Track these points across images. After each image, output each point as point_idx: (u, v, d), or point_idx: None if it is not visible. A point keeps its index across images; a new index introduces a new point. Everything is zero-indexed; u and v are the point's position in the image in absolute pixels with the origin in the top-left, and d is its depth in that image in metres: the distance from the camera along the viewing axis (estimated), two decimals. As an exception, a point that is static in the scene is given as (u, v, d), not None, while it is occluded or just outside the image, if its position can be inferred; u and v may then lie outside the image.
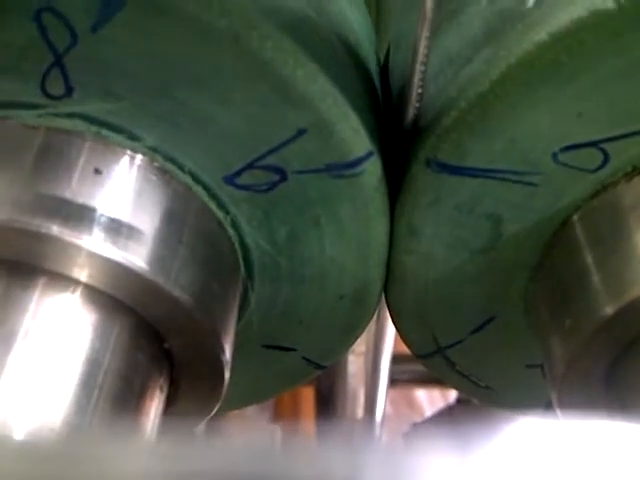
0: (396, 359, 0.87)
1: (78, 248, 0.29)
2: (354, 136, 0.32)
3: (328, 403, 0.86)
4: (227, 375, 0.32)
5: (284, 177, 0.33)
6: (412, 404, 1.31)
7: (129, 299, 0.30)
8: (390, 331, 0.80)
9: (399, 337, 0.42)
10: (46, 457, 0.17)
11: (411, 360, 0.45)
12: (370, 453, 0.16)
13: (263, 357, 0.41)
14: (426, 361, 0.43)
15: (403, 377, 0.93)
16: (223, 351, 0.32)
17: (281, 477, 0.15)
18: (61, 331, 0.28)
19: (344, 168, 0.33)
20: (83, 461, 0.16)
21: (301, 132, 0.31)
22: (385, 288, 0.39)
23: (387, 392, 0.85)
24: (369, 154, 0.33)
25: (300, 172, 0.33)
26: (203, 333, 0.31)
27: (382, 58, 0.45)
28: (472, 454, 0.15)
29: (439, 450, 0.15)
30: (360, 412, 0.85)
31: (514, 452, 0.15)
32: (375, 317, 0.72)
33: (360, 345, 0.84)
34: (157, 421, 0.31)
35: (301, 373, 0.42)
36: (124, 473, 0.15)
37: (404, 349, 0.44)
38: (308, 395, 1.04)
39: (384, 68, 0.44)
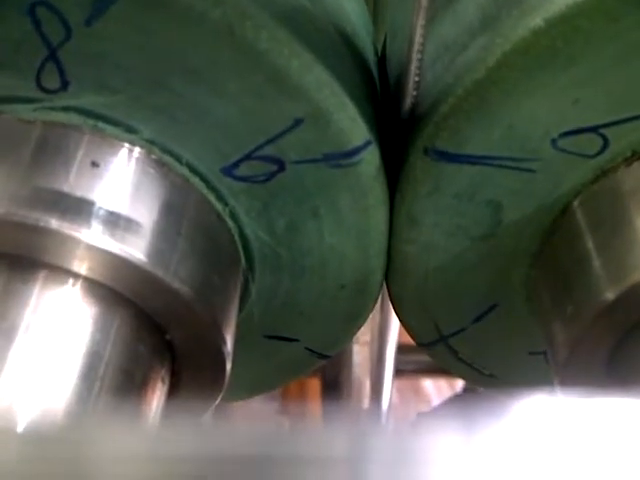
0: (401, 349, 0.87)
1: (77, 241, 0.29)
2: (351, 125, 0.32)
3: (334, 393, 0.86)
4: (229, 366, 0.33)
5: (282, 167, 0.33)
6: (419, 393, 1.31)
7: (129, 291, 0.30)
8: (395, 320, 0.80)
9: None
10: (48, 443, 0.17)
11: (416, 350, 0.45)
12: (375, 434, 0.16)
13: (266, 348, 0.41)
14: (429, 350, 0.43)
15: (409, 367, 0.94)
16: (224, 342, 0.32)
17: (285, 459, 0.15)
18: (62, 324, 0.29)
19: (342, 157, 0.33)
20: (85, 445, 0.16)
21: (298, 122, 0.31)
22: (386, 277, 0.39)
23: (393, 382, 0.85)
24: (367, 143, 0.33)
25: (298, 162, 0.33)
26: (204, 325, 0.31)
27: (380, 48, 0.45)
28: (478, 434, 0.15)
29: (445, 431, 0.15)
30: (366, 402, 0.85)
31: (520, 431, 0.15)
32: (379, 307, 0.72)
33: (365, 335, 0.84)
34: (159, 412, 0.31)
35: (304, 363, 0.42)
36: (125, 457, 0.16)
37: (409, 339, 0.44)
38: (314, 386, 1.04)
39: (382, 58, 0.44)
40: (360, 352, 0.85)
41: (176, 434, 0.17)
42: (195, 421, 0.17)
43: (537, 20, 0.30)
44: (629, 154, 0.33)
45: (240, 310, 0.36)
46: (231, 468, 0.15)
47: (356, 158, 0.33)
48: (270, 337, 0.40)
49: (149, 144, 0.32)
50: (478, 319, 0.40)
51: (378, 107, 0.38)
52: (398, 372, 0.87)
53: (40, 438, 0.18)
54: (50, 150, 0.30)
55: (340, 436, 0.16)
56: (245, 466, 0.15)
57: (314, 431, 0.17)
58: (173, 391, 0.33)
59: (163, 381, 0.32)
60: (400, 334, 0.86)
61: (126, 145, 0.32)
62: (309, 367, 0.43)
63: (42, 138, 0.31)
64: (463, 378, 0.47)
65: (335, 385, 0.87)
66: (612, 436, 0.15)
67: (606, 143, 0.32)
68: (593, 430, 0.16)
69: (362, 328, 0.42)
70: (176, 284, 0.30)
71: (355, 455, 0.15)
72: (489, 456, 0.15)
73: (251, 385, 0.45)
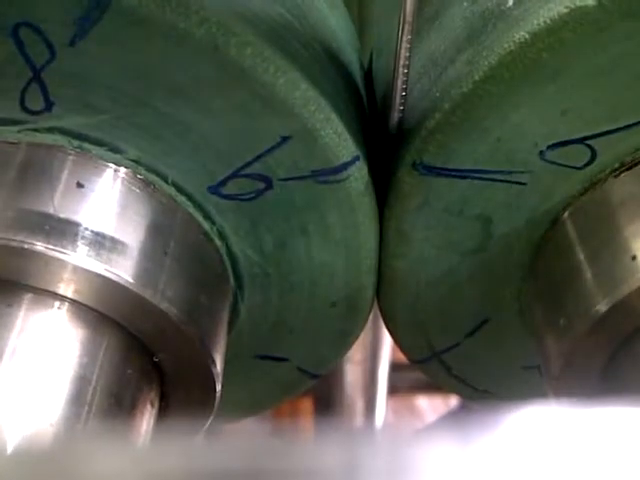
0: (395, 367, 0.86)
1: (62, 263, 0.28)
2: (339, 141, 0.32)
3: (327, 413, 0.86)
4: (218, 387, 0.32)
5: (269, 185, 0.33)
6: (413, 411, 1.30)
7: (116, 314, 0.30)
8: (387, 338, 0.80)
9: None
10: (37, 462, 0.17)
11: (410, 367, 0.44)
12: (368, 446, 0.16)
13: (257, 368, 0.41)
14: (422, 366, 0.43)
15: (402, 385, 0.93)
16: (214, 363, 0.32)
17: (277, 472, 0.15)
18: (48, 348, 0.28)
19: (330, 174, 0.32)
20: (73, 463, 0.16)
21: (285, 139, 0.31)
22: (377, 293, 0.39)
23: (387, 400, 0.84)
24: (355, 159, 0.33)
25: (285, 179, 0.32)
26: (192, 346, 0.31)
27: (366, 63, 0.45)
28: (473, 445, 0.15)
29: (439, 442, 0.15)
30: (360, 420, 0.85)
31: (514, 442, 0.15)
32: (371, 324, 0.71)
33: (357, 353, 0.84)
34: (149, 434, 0.31)
35: (296, 383, 0.42)
36: (114, 474, 0.15)
37: (402, 356, 0.44)
38: (307, 405, 1.03)
39: (368, 73, 0.44)
40: (353, 371, 0.85)
41: (166, 449, 0.16)
42: (185, 438, 0.16)
43: (522, 33, 0.30)
44: (617, 165, 0.33)
45: (230, 330, 0.36)
46: None
47: (344, 174, 0.33)
48: (261, 357, 0.40)
49: (134, 164, 0.32)
50: (471, 334, 0.40)
51: (365, 122, 0.38)
52: (392, 390, 0.86)
53: (29, 458, 0.18)
54: (35, 171, 0.30)
55: (333, 448, 0.15)
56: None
57: (306, 444, 0.16)
58: (163, 413, 0.33)
59: (152, 403, 0.31)
60: (393, 351, 0.86)
61: (111, 165, 0.31)
62: (301, 387, 0.43)
63: (26, 160, 0.30)
64: (457, 394, 0.47)
65: (328, 404, 0.87)
66: (607, 446, 0.15)
67: (594, 154, 0.33)
68: (588, 440, 0.15)
69: (354, 346, 0.42)
70: (164, 305, 0.30)
71: (348, 467, 0.15)
72: (483, 467, 0.15)
73: (244, 406, 0.44)
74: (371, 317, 0.40)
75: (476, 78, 0.31)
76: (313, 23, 0.37)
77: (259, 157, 0.32)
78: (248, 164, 0.32)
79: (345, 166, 0.32)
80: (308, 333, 0.38)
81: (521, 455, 0.15)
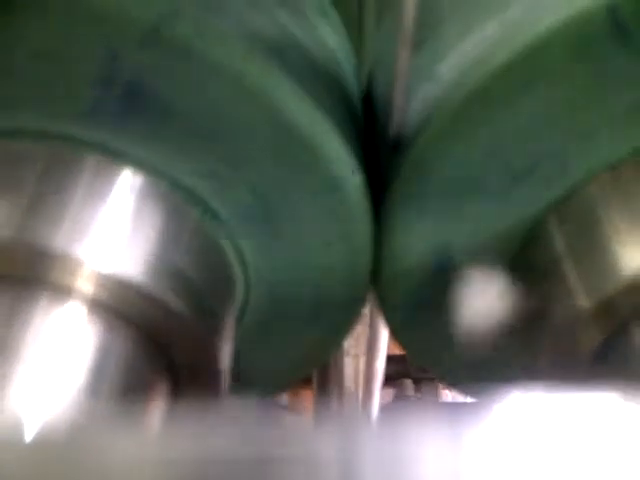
0: (391, 359, 0.87)
1: (79, 263, 0.30)
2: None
3: (325, 404, 0.86)
4: (225, 380, 0.33)
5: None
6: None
7: (130, 311, 0.31)
8: (384, 332, 0.81)
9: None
10: (54, 450, 0.17)
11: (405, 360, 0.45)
12: (366, 434, 0.17)
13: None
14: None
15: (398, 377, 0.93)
16: (220, 358, 0.33)
17: (274, 459, 0.16)
18: (66, 343, 0.29)
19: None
20: (88, 453, 0.17)
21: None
22: (376, 292, 0.40)
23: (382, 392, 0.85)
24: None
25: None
26: (201, 343, 0.32)
27: (365, 80, 0.46)
28: (466, 434, 0.16)
29: (433, 431, 0.16)
30: (357, 411, 0.85)
31: (506, 430, 0.16)
32: (369, 319, 0.72)
33: (356, 347, 0.85)
34: (160, 427, 0.32)
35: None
36: (127, 462, 0.17)
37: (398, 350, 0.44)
38: (307, 398, 1.04)
39: (367, 88, 0.45)
40: (351, 364, 0.86)
41: (172, 438, 0.17)
42: (191, 426, 0.17)
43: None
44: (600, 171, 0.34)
45: (238, 323, 0.38)
46: (226, 469, 0.16)
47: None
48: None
49: (147, 168, 0.33)
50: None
51: (362, 136, 0.40)
52: (387, 381, 0.86)
53: (46, 448, 0.18)
54: (55, 175, 0.32)
55: (331, 436, 0.16)
56: (239, 467, 0.16)
57: (307, 433, 0.17)
58: (173, 406, 0.34)
59: (163, 397, 0.33)
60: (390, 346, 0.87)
61: (128, 171, 0.33)
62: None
63: (47, 164, 0.32)
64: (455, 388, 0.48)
65: (326, 396, 0.87)
66: (596, 430, 0.16)
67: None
68: (576, 425, 0.16)
69: (352, 341, 0.43)
70: (174, 303, 0.31)
71: (346, 455, 0.16)
72: (477, 455, 0.16)
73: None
74: (369, 313, 0.41)
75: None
76: (313, 43, 0.38)
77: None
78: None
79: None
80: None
81: (512, 444, 0.16)
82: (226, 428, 0.17)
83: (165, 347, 0.32)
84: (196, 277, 0.33)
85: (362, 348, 0.83)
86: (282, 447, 0.16)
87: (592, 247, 0.33)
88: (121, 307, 0.31)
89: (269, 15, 0.35)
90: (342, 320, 0.41)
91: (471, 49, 0.34)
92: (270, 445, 0.16)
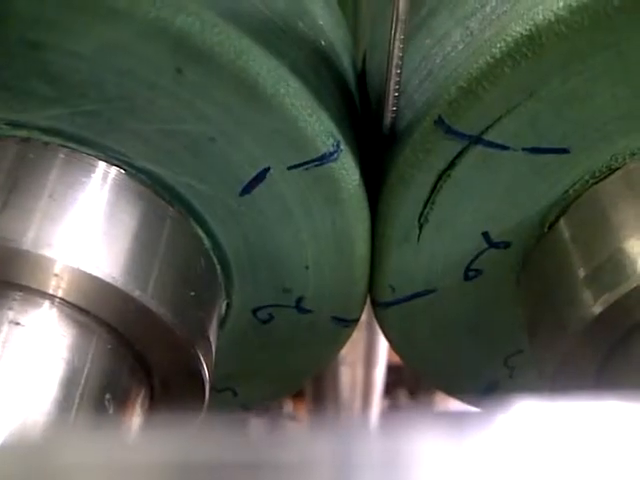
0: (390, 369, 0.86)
1: (52, 262, 0.28)
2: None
3: (322, 414, 0.86)
4: (207, 386, 0.32)
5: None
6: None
7: (105, 313, 0.29)
8: (383, 341, 0.80)
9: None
10: (25, 456, 0.16)
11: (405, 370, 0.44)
12: (361, 437, 0.16)
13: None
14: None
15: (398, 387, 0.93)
16: (202, 363, 0.31)
17: (269, 464, 0.15)
18: (38, 347, 0.28)
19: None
20: (61, 457, 0.16)
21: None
22: (371, 295, 0.39)
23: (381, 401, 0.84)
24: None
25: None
26: (181, 346, 0.31)
27: (359, 63, 0.45)
28: (466, 437, 0.15)
29: (433, 434, 0.15)
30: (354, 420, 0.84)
31: (508, 435, 0.15)
32: (366, 327, 0.71)
33: (351, 355, 0.84)
34: (137, 433, 0.30)
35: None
36: (102, 465, 0.15)
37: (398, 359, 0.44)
38: (301, 407, 1.03)
39: (362, 73, 0.44)
40: (347, 373, 0.85)
41: (157, 441, 0.16)
42: (175, 431, 0.16)
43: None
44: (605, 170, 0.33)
45: (222, 325, 0.36)
46: (215, 475, 0.15)
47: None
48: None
49: (124, 163, 0.31)
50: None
51: (358, 123, 0.38)
52: (387, 391, 0.86)
53: (17, 452, 0.18)
54: (26, 170, 0.30)
55: (325, 442, 0.15)
56: (229, 472, 0.15)
57: (299, 436, 0.16)
58: (151, 413, 0.32)
59: (141, 403, 0.31)
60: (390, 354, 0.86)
61: (102, 165, 0.31)
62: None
63: (18, 158, 0.30)
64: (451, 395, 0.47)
65: (323, 404, 0.87)
66: (601, 439, 0.15)
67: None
68: (580, 435, 0.15)
69: (349, 348, 0.42)
70: (153, 305, 0.30)
71: (341, 459, 0.15)
72: (477, 459, 0.15)
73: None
74: (366, 320, 0.40)
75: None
76: (305, 24, 0.37)
77: None
78: None
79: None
80: None
81: (514, 448, 0.15)
82: (211, 432, 0.16)
83: (144, 351, 0.31)
84: (176, 277, 0.32)
85: (359, 355, 0.82)
86: (273, 451, 0.16)
87: (601, 247, 0.32)
88: (96, 308, 0.29)
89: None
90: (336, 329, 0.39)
91: (463, 39, 0.33)
92: (260, 449, 0.16)
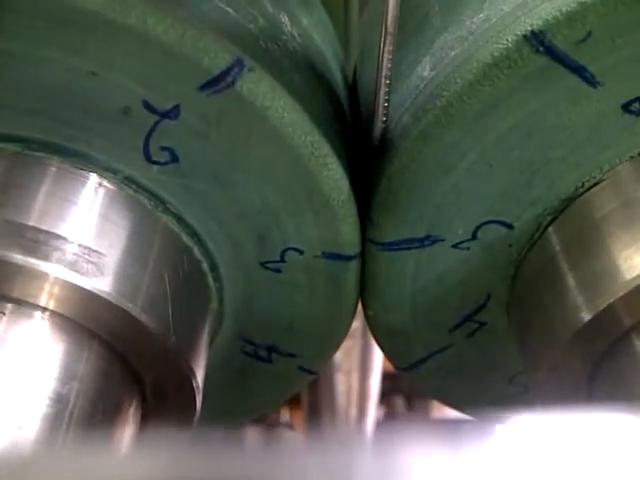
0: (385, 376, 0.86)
1: (43, 275, 0.28)
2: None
3: (318, 422, 0.85)
4: (199, 399, 0.32)
5: None
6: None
7: (96, 325, 0.29)
8: (378, 348, 0.80)
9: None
10: (15, 472, 0.16)
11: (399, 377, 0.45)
12: (358, 451, 0.16)
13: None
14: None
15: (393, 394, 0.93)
16: (194, 375, 0.31)
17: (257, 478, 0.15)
18: (30, 359, 0.28)
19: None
20: (51, 472, 0.16)
21: None
22: (363, 303, 0.39)
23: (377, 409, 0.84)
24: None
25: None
26: (172, 358, 0.31)
27: (350, 74, 0.45)
28: (462, 451, 0.15)
29: (428, 448, 0.15)
30: (351, 430, 0.84)
31: (503, 448, 0.15)
32: (361, 335, 0.71)
33: (347, 363, 0.83)
34: (129, 446, 0.30)
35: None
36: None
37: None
38: (298, 416, 1.03)
39: (353, 84, 0.44)
40: (343, 381, 0.85)
41: (149, 456, 0.16)
42: (168, 446, 0.16)
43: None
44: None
45: (212, 338, 0.36)
46: None
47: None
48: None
49: (115, 177, 0.32)
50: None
51: (348, 137, 0.38)
52: (383, 398, 0.86)
53: (6, 468, 0.18)
54: (17, 184, 0.30)
55: (320, 456, 0.15)
56: None
57: (293, 450, 0.16)
58: (143, 424, 0.32)
59: (133, 415, 0.31)
60: (385, 361, 0.86)
61: (94, 178, 0.31)
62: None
63: (9, 173, 0.30)
64: (444, 403, 0.47)
65: (318, 413, 0.86)
66: (595, 451, 0.15)
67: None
68: (577, 446, 0.16)
69: (344, 356, 0.42)
70: (144, 317, 0.30)
71: (339, 473, 0.15)
72: (473, 472, 0.15)
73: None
74: (361, 327, 0.40)
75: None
76: (297, 35, 0.37)
77: None
78: None
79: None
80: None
81: (509, 462, 0.15)
82: (201, 447, 0.16)
83: (135, 363, 0.31)
84: (166, 289, 0.32)
85: (355, 363, 0.82)
86: (266, 465, 0.15)
87: (591, 254, 0.32)
88: (88, 320, 0.29)
89: (250, 6, 0.33)
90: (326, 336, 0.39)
91: (454, 48, 0.33)
92: (251, 464, 0.16)
